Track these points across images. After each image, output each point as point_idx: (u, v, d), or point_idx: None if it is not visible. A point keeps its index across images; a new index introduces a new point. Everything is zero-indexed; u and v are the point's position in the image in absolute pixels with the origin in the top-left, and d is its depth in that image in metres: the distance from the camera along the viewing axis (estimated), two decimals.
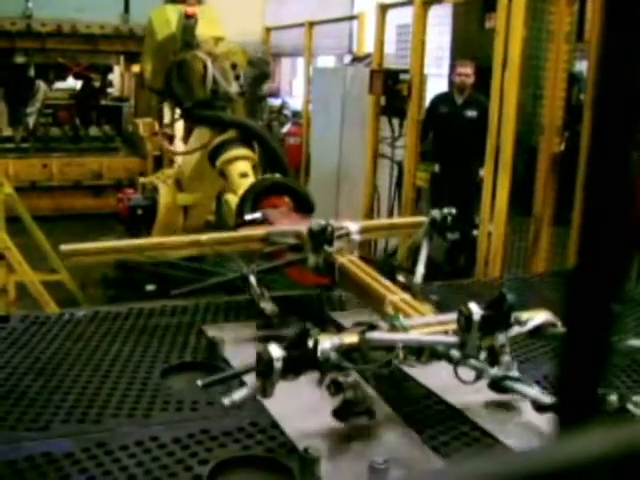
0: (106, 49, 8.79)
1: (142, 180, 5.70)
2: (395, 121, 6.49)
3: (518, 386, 1.73)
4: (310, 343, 1.65)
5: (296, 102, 9.83)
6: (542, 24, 5.62)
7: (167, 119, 5.98)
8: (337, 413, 1.69)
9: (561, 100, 4.89)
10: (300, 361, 1.64)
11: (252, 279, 2.43)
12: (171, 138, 6.18)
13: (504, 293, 1.74)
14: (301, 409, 1.80)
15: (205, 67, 4.49)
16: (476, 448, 1.70)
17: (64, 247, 2.67)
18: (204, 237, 2.81)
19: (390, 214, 6.55)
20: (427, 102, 6.58)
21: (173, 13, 4.74)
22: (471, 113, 6.38)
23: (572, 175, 4.40)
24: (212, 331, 2.31)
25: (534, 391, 1.71)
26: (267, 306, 2.38)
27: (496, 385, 1.75)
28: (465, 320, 1.73)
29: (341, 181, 7.24)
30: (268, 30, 10.53)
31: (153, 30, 4.82)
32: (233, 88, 4.58)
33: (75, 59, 9.01)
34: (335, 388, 1.69)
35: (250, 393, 1.62)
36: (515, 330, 1.79)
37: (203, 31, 4.66)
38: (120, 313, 2.50)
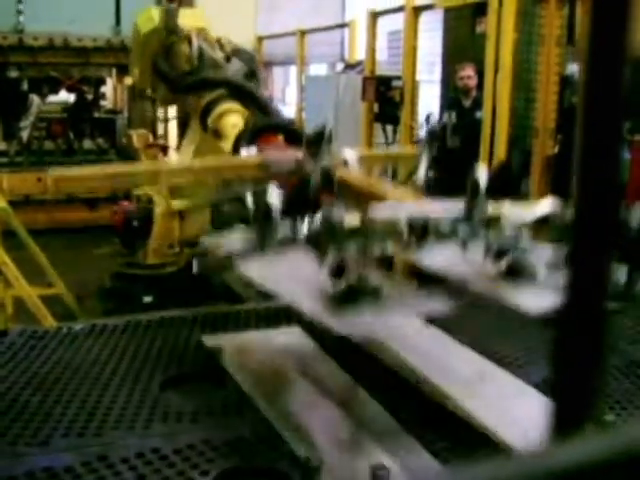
0: (98, 62, 8.81)
1: (137, 192, 5.70)
2: (389, 127, 6.51)
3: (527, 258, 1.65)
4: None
5: (289, 110, 9.85)
6: (533, 28, 5.64)
7: (161, 130, 6.01)
8: (341, 298, 1.60)
9: (553, 103, 4.91)
10: (298, 202, 1.59)
11: (248, 199, 2.33)
12: (165, 149, 6.19)
13: (510, 159, 1.70)
14: (301, 414, 1.80)
15: (190, 42, 4.54)
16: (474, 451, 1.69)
17: (52, 171, 2.65)
18: (197, 163, 2.75)
19: None
20: (420, 108, 6.60)
21: (156, 11, 4.82)
22: (480, 114, 6.36)
23: (566, 177, 4.41)
24: (211, 341, 2.31)
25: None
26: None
27: (501, 254, 1.69)
28: (472, 186, 1.68)
29: None
30: (260, 39, 10.55)
31: (137, 30, 4.89)
32: (218, 54, 4.61)
33: (68, 72, 9.03)
34: (338, 270, 1.61)
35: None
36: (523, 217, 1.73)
37: (186, 22, 4.75)
38: (117, 325, 2.50)
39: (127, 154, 9.99)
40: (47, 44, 8.40)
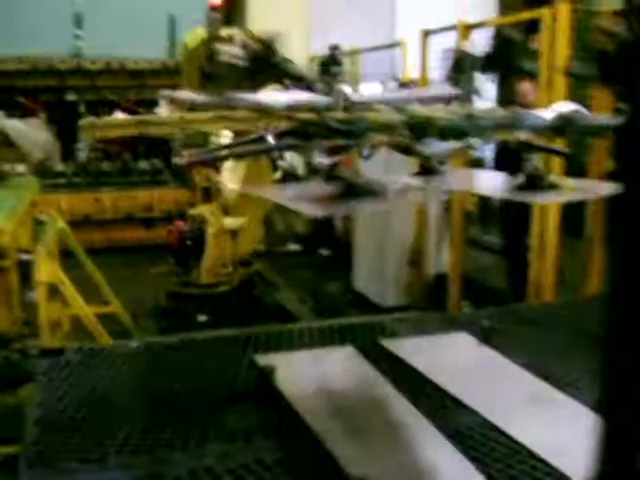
0: (154, 84, 8.99)
1: (191, 211, 5.77)
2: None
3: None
4: None
5: None
6: (587, 43, 5.56)
7: None
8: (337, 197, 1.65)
9: None
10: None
11: (270, 138, 2.31)
12: (217, 168, 6.24)
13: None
14: (350, 432, 1.78)
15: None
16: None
17: (84, 121, 2.70)
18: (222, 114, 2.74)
19: (440, 239, 6.50)
20: None
21: (202, 29, 4.95)
22: None
23: None
24: (264, 361, 2.31)
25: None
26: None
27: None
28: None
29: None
30: (313, 58, 10.61)
31: (186, 47, 5.02)
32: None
33: (124, 95, 9.22)
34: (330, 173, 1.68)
35: None
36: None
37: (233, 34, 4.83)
38: (172, 344, 2.52)
39: (181, 174, 10.12)
40: (104, 68, 8.60)
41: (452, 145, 1.73)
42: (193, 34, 5.01)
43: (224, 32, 5.02)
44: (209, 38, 4.73)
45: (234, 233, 5.46)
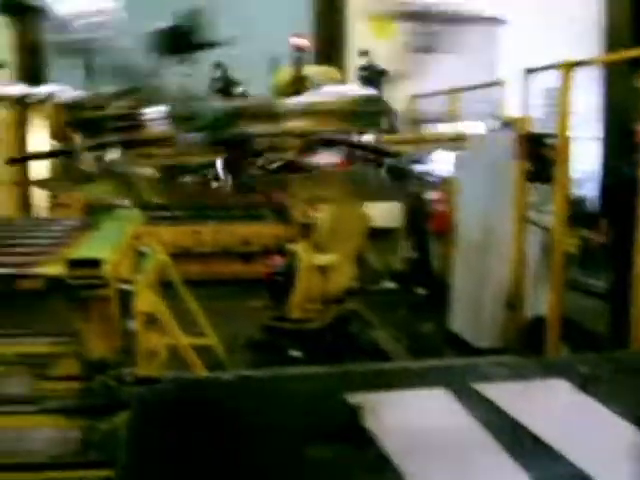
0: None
1: (288, 247, 5.84)
2: (543, 187, 6.35)
3: None
4: None
5: (438, 167, 9.81)
6: None
7: None
8: None
9: None
10: None
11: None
12: (315, 205, 6.31)
13: None
14: (439, 476, 1.74)
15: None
16: None
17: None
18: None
19: (538, 281, 6.35)
20: (574, 165, 6.40)
21: (290, 68, 5.07)
22: None
23: None
24: (355, 399, 2.29)
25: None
26: None
27: None
28: None
29: (489, 248, 7.10)
30: (413, 98, 10.64)
31: (274, 85, 5.14)
32: None
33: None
34: None
35: None
36: None
37: (317, 72, 4.94)
38: (264, 378, 2.53)
39: (280, 209, 10.28)
40: None
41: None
42: (280, 73, 5.16)
43: (308, 71, 5.17)
44: (293, 78, 4.85)
45: (324, 269, 5.48)
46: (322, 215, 5.81)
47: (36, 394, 4.06)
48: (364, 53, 5.25)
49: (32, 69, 10.08)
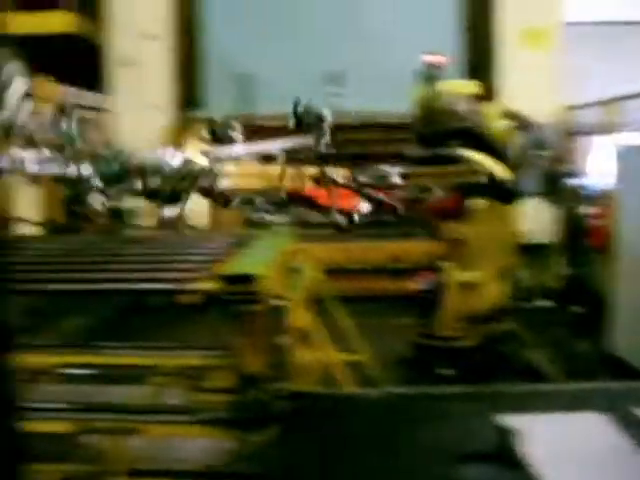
0: (400, 137, 9.20)
1: (438, 264, 5.79)
2: None
3: None
4: None
5: (592, 180, 9.44)
6: None
7: None
8: None
9: None
10: None
11: None
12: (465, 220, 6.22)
13: None
14: None
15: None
16: None
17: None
18: None
19: None
20: None
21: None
22: None
23: None
24: (507, 421, 2.23)
25: None
26: None
27: None
28: None
29: None
30: (568, 108, 10.29)
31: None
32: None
33: (371, 149, 9.54)
34: None
35: None
36: None
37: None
38: (413, 395, 2.52)
39: (430, 226, 10.21)
40: (358, 122, 8.97)
41: None
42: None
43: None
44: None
45: (471, 286, 5.38)
46: (470, 231, 5.71)
47: (191, 405, 4.23)
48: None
49: None
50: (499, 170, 4.77)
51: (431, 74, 4.90)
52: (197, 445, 4.47)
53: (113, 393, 5.45)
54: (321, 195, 8.62)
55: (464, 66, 9.82)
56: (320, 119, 4.78)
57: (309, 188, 8.00)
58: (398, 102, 8.86)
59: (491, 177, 4.73)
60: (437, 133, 4.90)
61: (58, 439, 4.20)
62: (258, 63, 9.71)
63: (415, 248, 9.43)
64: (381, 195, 9.57)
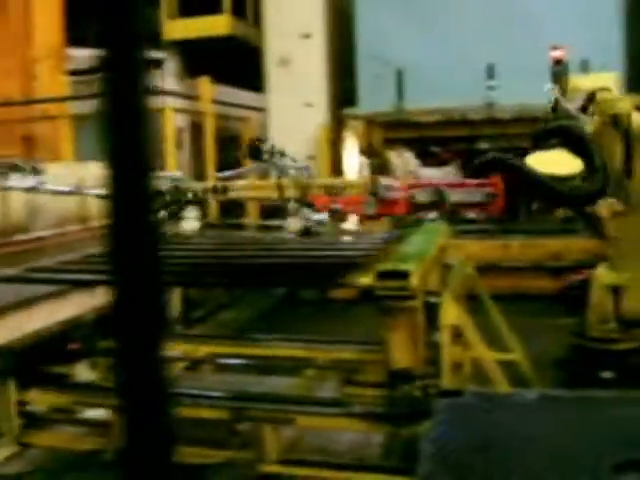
0: None
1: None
2: None
3: None
4: None
5: None
6: None
7: None
8: None
9: None
10: None
11: None
12: None
13: None
14: None
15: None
16: None
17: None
18: None
19: None
20: None
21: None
22: None
23: None
24: None
25: None
26: None
27: None
28: None
29: None
30: None
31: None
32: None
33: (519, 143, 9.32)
34: None
35: None
36: None
37: (585, 83, 4.67)
38: (569, 398, 2.42)
39: (594, 223, 9.77)
40: (516, 116, 8.76)
41: None
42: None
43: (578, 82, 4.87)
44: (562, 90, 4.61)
45: (616, 288, 5.12)
46: (624, 229, 5.42)
47: (343, 398, 4.27)
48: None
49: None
50: (549, 174, 4.48)
51: (556, 71, 4.69)
52: (348, 438, 4.52)
53: (267, 383, 5.60)
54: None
55: (626, 59, 9.32)
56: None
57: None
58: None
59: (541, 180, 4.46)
60: (539, 131, 4.70)
61: (215, 426, 4.36)
62: (411, 58, 9.67)
63: (577, 245, 9.07)
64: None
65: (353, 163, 10.02)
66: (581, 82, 4.89)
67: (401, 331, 3.78)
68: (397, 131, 10.06)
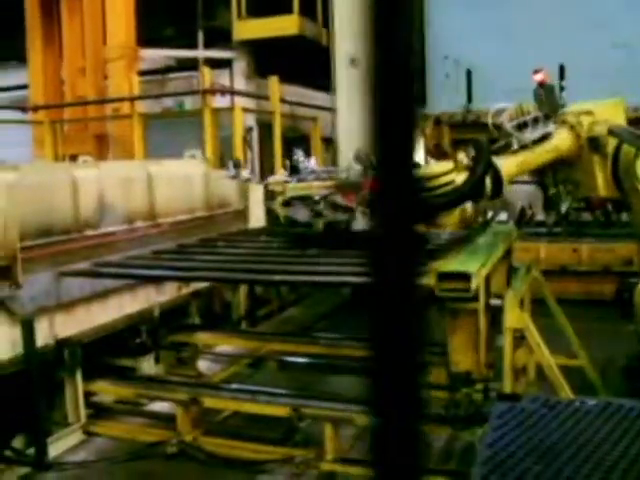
0: None
1: None
2: None
3: None
4: None
5: None
6: None
7: None
8: None
9: None
10: None
11: None
12: None
13: None
14: None
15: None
16: None
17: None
18: None
19: None
20: None
21: None
22: None
23: None
24: None
25: None
26: None
27: None
28: None
29: None
30: None
31: None
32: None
33: None
34: None
35: None
36: None
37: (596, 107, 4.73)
38: (633, 408, 2.36)
39: None
40: None
41: None
42: None
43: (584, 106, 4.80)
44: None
45: None
46: None
47: None
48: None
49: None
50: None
51: (538, 92, 4.60)
52: None
53: (329, 382, 5.62)
54: None
55: None
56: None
57: None
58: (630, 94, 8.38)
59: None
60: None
61: (277, 423, 4.40)
62: (481, 58, 9.55)
63: None
64: None
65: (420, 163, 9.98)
66: (581, 107, 4.85)
67: (462, 333, 3.75)
68: (466, 132, 9.96)
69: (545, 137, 4.59)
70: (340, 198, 4.52)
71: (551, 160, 4.71)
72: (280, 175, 7.55)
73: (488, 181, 4.28)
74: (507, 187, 4.48)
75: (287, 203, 4.79)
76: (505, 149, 4.51)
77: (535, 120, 4.56)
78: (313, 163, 6.18)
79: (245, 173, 7.31)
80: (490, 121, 4.57)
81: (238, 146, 9.14)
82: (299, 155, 5.63)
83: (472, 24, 9.73)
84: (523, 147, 4.52)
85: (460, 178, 4.18)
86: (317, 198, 4.61)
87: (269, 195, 7.60)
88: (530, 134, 4.52)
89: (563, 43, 8.77)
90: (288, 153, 9.95)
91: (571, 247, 9.19)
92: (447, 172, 4.18)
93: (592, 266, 8.97)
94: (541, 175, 4.86)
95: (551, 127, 4.62)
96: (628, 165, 4.68)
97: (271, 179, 6.78)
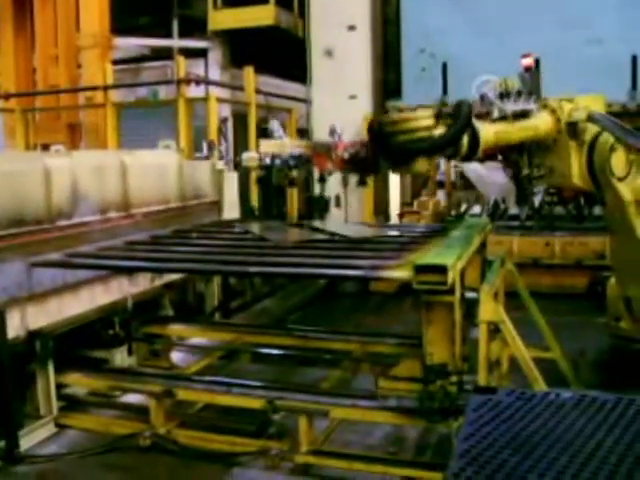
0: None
1: None
2: None
3: None
4: None
5: None
6: None
7: None
8: None
9: None
10: None
11: None
12: None
13: None
14: None
15: None
16: None
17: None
18: None
19: None
20: None
21: None
22: None
23: None
24: None
25: None
26: None
27: None
28: None
29: None
30: None
31: None
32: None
33: None
34: None
35: None
36: None
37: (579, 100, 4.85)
38: (607, 401, 2.37)
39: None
40: None
41: None
42: None
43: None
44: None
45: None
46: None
47: (378, 391, 4.26)
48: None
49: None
50: None
51: (523, 76, 4.65)
52: (382, 431, 4.50)
53: (303, 374, 5.61)
54: None
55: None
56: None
57: None
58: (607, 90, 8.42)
59: None
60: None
61: (251, 415, 4.39)
62: (456, 51, 9.57)
63: None
64: None
65: None
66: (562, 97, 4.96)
67: (437, 326, 3.75)
68: None
69: (525, 113, 4.61)
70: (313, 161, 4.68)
71: (529, 138, 4.73)
72: (253, 152, 7.58)
73: (465, 140, 4.30)
74: (480, 153, 4.50)
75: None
76: (485, 117, 4.53)
77: (519, 93, 4.59)
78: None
79: (220, 165, 7.26)
80: (474, 91, 4.57)
81: (213, 135, 9.06)
82: (274, 125, 5.57)
83: (449, 19, 9.75)
84: (503, 118, 4.53)
85: (439, 131, 4.22)
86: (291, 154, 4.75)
87: (244, 172, 7.63)
88: (512, 105, 4.54)
89: (538, 38, 8.77)
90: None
91: (544, 241, 9.25)
92: (428, 116, 4.22)
93: (565, 259, 9.04)
94: (518, 154, 4.87)
95: (532, 105, 4.64)
96: (603, 159, 4.71)
97: (244, 155, 6.75)
